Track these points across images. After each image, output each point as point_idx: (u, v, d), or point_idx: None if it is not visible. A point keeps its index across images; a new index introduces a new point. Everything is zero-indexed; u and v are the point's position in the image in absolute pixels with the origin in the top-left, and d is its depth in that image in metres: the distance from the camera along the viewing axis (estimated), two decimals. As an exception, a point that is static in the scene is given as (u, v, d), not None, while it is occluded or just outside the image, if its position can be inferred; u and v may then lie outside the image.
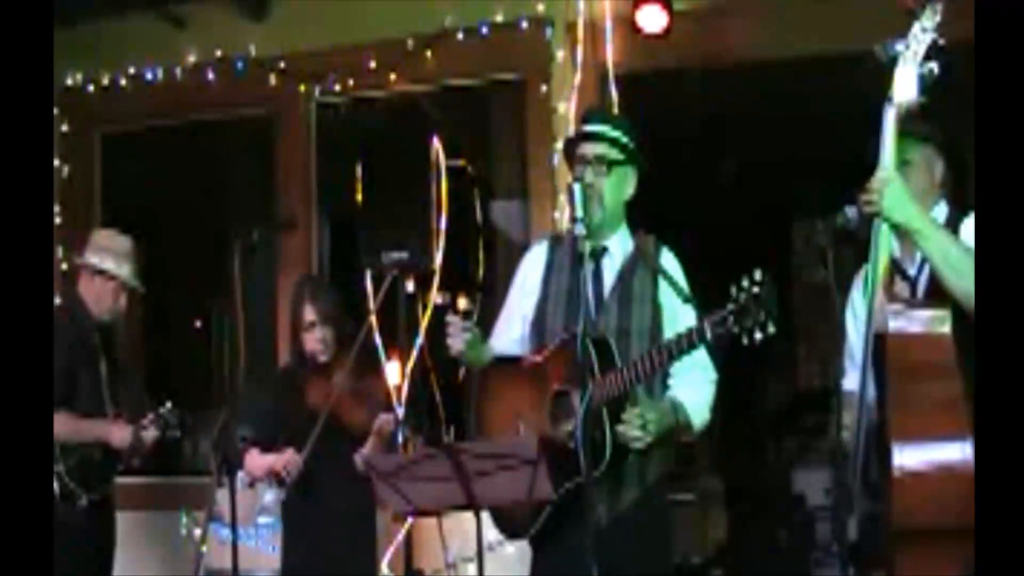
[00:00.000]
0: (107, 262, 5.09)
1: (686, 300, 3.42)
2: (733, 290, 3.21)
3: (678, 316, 3.56)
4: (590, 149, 3.71)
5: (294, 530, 4.87)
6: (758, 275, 3.19)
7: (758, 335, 3.17)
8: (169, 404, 5.04)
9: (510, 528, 3.77)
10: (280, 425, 4.86)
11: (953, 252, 3.11)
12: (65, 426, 4.77)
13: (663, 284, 3.59)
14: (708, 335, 3.25)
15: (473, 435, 3.88)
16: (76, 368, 4.96)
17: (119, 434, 4.98)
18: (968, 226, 3.33)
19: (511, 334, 3.89)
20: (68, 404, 4.84)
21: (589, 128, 3.77)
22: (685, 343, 3.32)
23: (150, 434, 5.00)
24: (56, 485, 4.80)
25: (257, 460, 4.81)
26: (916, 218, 3.15)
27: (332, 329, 4.83)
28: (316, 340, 4.82)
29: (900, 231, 3.23)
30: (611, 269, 3.69)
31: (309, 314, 4.84)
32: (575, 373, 3.47)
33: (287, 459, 4.69)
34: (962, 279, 3.07)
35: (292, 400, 4.82)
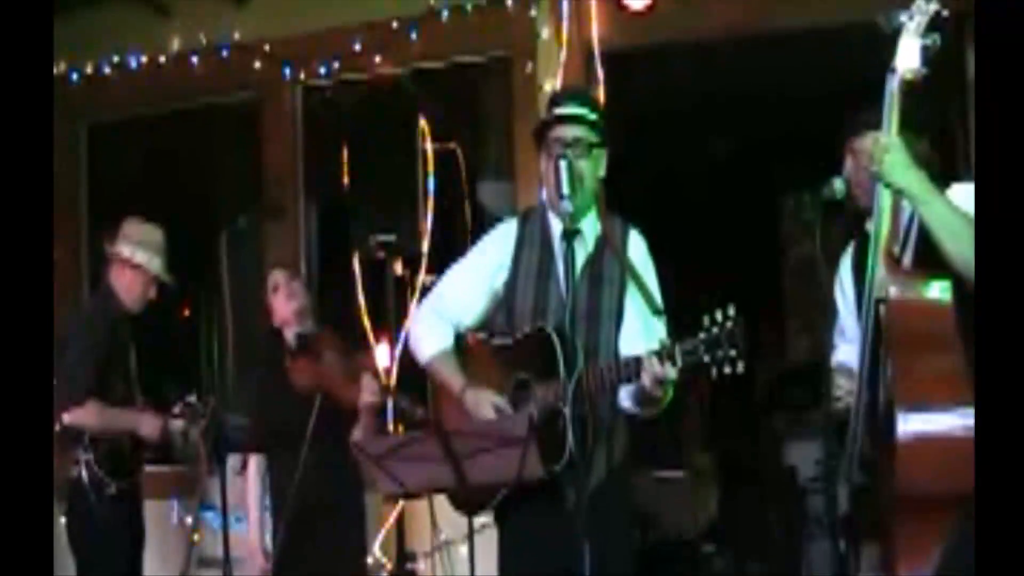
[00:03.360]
0: (139, 256, 5.07)
1: (656, 312, 3.43)
2: (706, 320, 3.25)
3: (649, 321, 3.55)
4: (569, 132, 3.68)
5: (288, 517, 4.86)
6: (731, 310, 3.22)
7: (727, 369, 3.21)
8: (195, 395, 5.04)
9: (462, 504, 3.78)
10: (267, 413, 4.82)
11: (953, 219, 3.11)
12: (95, 416, 4.82)
13: (632, 287, 3.60)
14: (678, 360, 3.27)
15: (429, 410, 3.90)
16: (107, 359, 4.96)
17: (149, 424, 5.00)
18: (949, 196, 3.33)
19: (474, 307, 3.84)
20: (99, 394, 4.86)
21: (567, 111, 3.73)
22: (655, 361, 3.32)
23: (179, 424, 5.02)
24: (85, 473, 4.84)
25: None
26: (916, 183, 3.15)
27: (297, 282, 4.79)
28: (283, 301, 4.77)
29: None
30: (583, 251, 3.69)
31: (276, 277, 4.81)
32: (538, 365, 3.56)
33: None
34: (960, 245, 3.07)
35: (275, 383, 4.78)
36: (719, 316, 3.23)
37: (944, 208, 3.14)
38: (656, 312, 3.42)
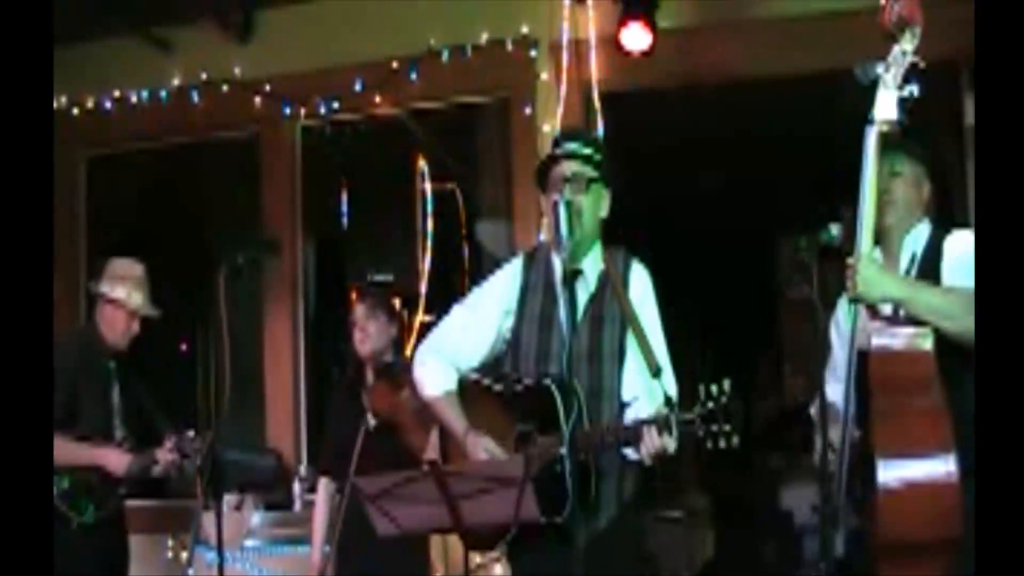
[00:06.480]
0: (117, 290, 5.08)
1: (655, 374, 3.47)
2: (702, 391, 3.31)
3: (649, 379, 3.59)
4: (567, 167, 3.71)
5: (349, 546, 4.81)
6: (727, 386, 3.29)
7: (722, 444, 3.29)
8: (192, 432, 5.03)
9: (472, 541, 3.77)
10: (339, 437, 4.86)
11: (940, 304, 3.15)
12: (59, 449, 4.73)
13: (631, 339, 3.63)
14: (675, 430, 3.33)
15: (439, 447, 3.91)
16: (81, 394, 4.94)
17: (116, 460, 4.95)
18: (950, 244, 3.36)
19: (478, 350, 3.84)
20: (68, 428, 4.80)
21: (565, 148, 3.77)
22: (653, 432, 3.38)
23: (169, 457, 4.99)
24: None
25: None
26: (895, 288, 3.19)
27: (374, 324, 4.83)
28: (358, 339, 4.83)
29: (880, 241, 3.28)
30: (584, 291, 3.71)
31: (356, 312, 4.87)
32: (540, 417, 3.57)
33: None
34: (956, 323, 3.10)
35: (351, 410, 4.83)
36: (715, 390, 3.29)
37: (928, 298, 3.17)
38: (655, 374, 3.45)
